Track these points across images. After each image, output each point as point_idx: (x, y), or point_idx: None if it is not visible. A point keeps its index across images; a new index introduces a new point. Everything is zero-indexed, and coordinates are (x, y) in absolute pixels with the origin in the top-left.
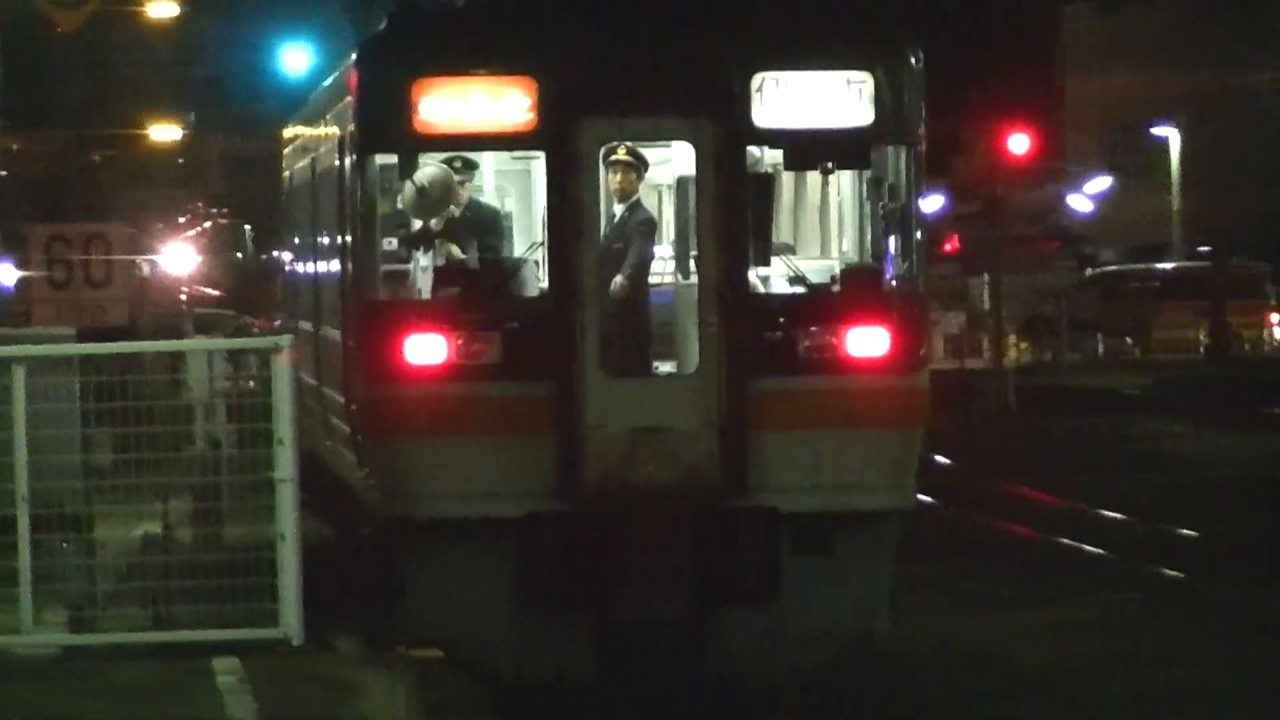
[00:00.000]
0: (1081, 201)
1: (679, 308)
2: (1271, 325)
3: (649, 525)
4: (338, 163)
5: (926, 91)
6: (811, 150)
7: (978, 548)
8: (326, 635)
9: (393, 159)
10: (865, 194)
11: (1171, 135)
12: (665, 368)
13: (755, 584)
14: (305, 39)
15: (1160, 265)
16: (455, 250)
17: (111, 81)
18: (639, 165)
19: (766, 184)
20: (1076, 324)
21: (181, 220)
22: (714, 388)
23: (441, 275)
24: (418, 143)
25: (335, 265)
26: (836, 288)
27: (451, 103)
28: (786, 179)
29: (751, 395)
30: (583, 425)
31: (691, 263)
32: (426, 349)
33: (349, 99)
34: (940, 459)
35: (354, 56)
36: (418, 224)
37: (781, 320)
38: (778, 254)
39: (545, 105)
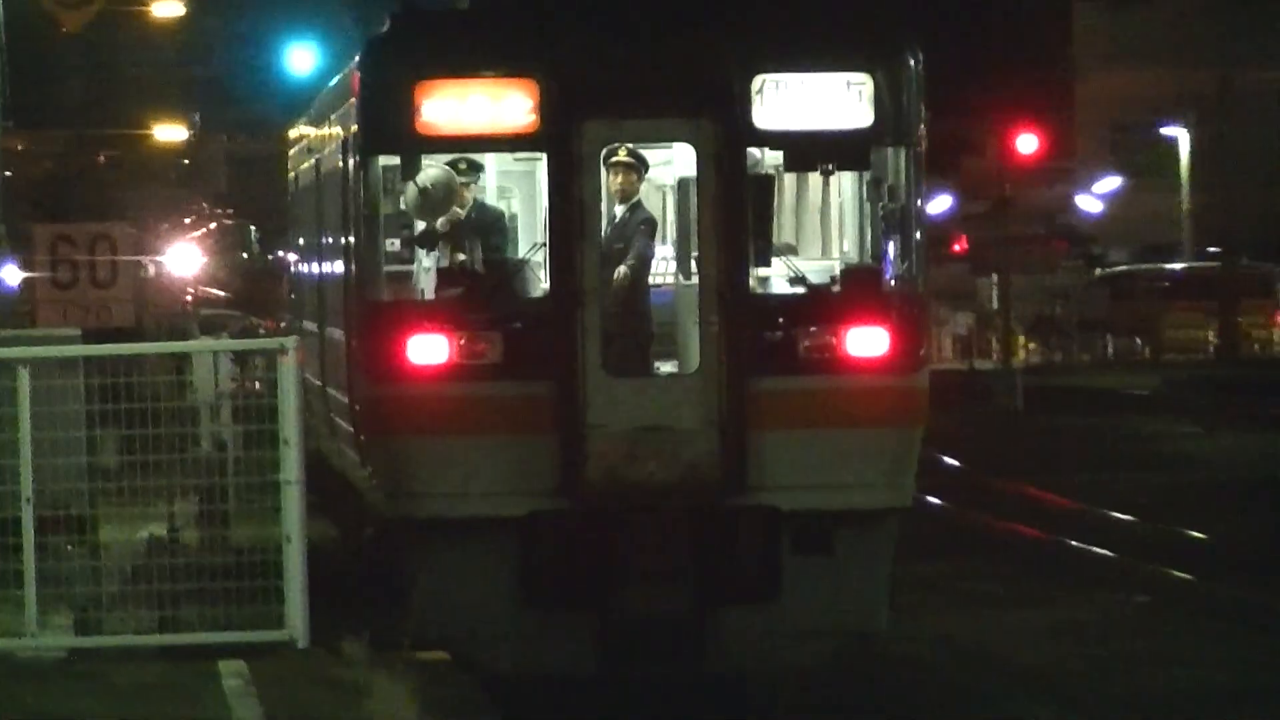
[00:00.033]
0: (1090, 202)
1: (680, 308)
2: None
3: (650, 524)
4: (341, 164)
5: (935, 91)
6: (811, 151)
7: (978, 547)
8: (332, 637)
9: (395, 160)
10: (865, 195)
11: (1181, 135)
12: (666, 367)
13: (755, 583)
14: (311, 39)
15: (1170, 266)
16: (459, 253)
17: (116, 81)
18: (639, 166)
19: (767, 185)
20: (1086, 324)
21: (186, 221)
22: (714, 387)
23: (444, 276)
24: (420, 144)
25: (339, 266)
26: (836, 288)
27: (453, 104)
28: (788, 180)
29: (752, 395)
30: (584, 424)
31: (692, 263)
32: (429, 349)
33: (352, 100)
34: (948, 460)
35: (357, 58)
36: (421, 225)
37: (781, 320)
38: (780, 254)
39: (546, 107)
